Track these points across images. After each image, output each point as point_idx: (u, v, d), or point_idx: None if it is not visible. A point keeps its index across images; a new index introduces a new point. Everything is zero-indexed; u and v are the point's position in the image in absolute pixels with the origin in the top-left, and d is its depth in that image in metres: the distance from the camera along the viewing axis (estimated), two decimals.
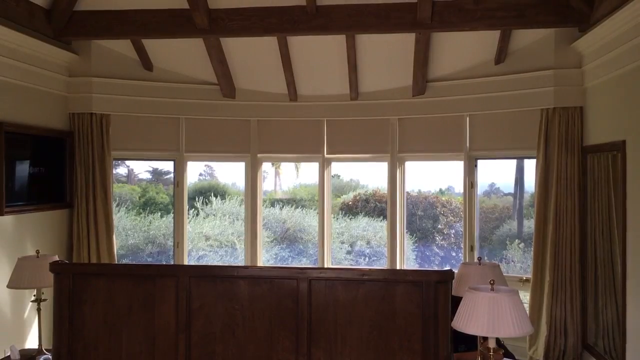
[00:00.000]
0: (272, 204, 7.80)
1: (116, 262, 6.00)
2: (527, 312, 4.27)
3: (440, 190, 7.74)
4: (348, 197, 8.03)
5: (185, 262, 6.56)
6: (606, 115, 4.97)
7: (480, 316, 2.89)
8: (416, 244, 7.53)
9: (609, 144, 4.81)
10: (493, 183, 7.14)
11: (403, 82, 6.28)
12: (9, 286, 4.01)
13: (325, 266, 6.57)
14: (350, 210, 7.94)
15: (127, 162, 7.68)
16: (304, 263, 7.52)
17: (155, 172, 8.02)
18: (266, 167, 7.14)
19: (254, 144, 6.63)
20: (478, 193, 6.30)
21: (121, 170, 7.87)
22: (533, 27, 5.31)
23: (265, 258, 7.14)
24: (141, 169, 8.06)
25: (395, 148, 6.47)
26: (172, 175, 6.71)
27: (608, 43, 4.73)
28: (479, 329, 2.91)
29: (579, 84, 5.40)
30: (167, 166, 7.22)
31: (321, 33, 5.52)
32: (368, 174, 8.09)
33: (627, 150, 4.44)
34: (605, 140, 4.93)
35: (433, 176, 7.48)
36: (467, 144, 6.16)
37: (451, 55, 6.03)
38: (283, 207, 7.87)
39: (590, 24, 5.00)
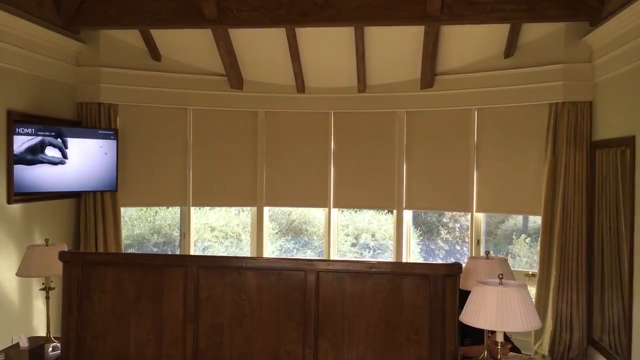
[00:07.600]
0: None
1: (123, 252, 6.03)
2: None
3: None
4: None
5: (192, 253, 6.58)
6: (616, 110, 4.94)
7: (488, 310, 2.90)
8: (421, 238, 7.52)
9: (618, 139, 4.79)
10: None
11: (411, 75, 6.26)
12: (18, 274, 4.03)
13: (331, 258, 6.58)
14: None
15: None
16: (309, 255, 7.52)
17: None
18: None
19: (261, 135, 6.65)
20: None
21: None
22: (543, 21, 5.29)
23: (270, 250, 7.16)
24: None
25: (403, 145, 6.48)
26: None
27: (619, 38, 4.70)
28: (487, 323, 2.91)
29: (588, 79, 5.37)
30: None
31: (330, 25, 5.50)
32: None
33: (637, 146, 4.42)
34: (614, 135, 4.91)
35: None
36: (475, 139, 6.15)
37: (460, 49, 6.01)
38: None
39: (601, 18, 4.97)
